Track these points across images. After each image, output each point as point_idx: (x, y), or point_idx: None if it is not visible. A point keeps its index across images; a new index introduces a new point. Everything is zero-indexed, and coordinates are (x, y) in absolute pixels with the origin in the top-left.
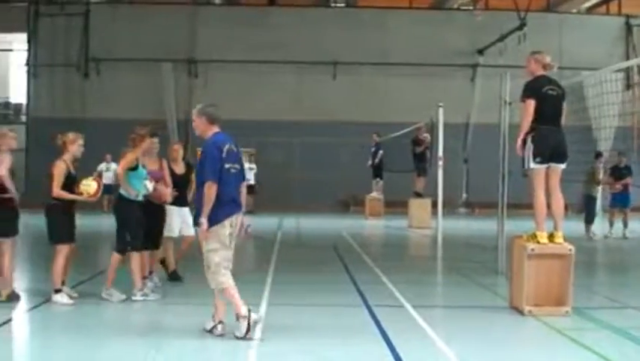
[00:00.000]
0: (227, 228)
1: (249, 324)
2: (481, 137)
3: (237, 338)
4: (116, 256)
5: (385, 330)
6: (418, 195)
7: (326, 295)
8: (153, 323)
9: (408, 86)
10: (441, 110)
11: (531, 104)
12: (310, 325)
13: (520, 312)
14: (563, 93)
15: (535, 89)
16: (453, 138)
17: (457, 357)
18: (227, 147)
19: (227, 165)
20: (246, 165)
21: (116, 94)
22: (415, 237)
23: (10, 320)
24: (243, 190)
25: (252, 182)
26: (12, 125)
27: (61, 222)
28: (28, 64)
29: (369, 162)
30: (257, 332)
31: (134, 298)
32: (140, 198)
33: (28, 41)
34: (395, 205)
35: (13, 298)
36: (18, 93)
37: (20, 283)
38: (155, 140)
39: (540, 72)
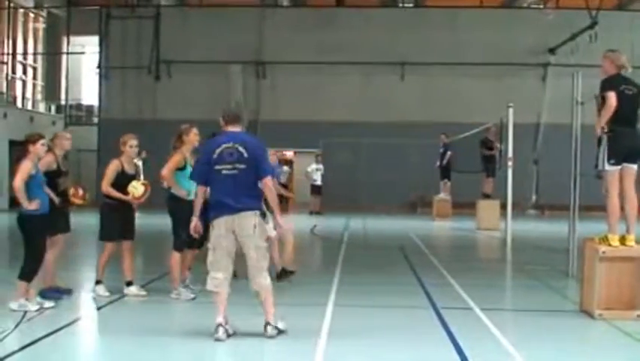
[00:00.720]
0: (217, 229)
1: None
2: (551, 137)
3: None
4: (174, 255)
5: (453, 333)
6: (487, 196)
7: (393, 296)
8: None
9: (477, 86)
10: (511, 111)
11: (612, 96)
12: (377, 326)
13: (591, 316)
14: (638, 92)
15: (612, 85)
16: (523, 138)
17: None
18: (222, 147)
19: (217, 167)
20: (313, 166)
21: (186, 95)
22: (484, 239)
23: (79, 318)
24: (271, 188)
25: (319, 183)
26: (84, 126)
27: (109, 219)
28: (99, 66)
29: (437, 163)
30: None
31: (171, 295)
32: (192, 197)
33: (100, 44)
34: (463, 207)
35: (59, 293)
36: (90, 95)
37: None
38: None
39: (614, 72)
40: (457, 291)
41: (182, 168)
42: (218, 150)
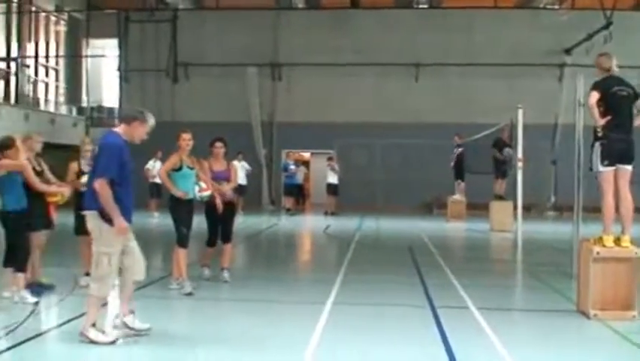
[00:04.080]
0: None
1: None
2: (570, 138)
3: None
4: (178, 250)
5: (446, 332)
6: (500, 197)
7: (392, 295)
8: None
9: (493, 87)
10: (520, 112)
11: (594, 95)
12: (371, 324)
13: (586, 316)
14: (633, 93)
15: (602, 88)
16: (541, 139)
17: (513, 360)
18: None
19: None
20: (330, 166)
21: (204, 97)
22: (495, 240)
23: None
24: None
25: (335, 182)
26: (105, 127)
27: None
28: (119, 69)
29: (452, 164)
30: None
31: (170, 287)
32: (190, 196)
33: (119, 47)
34: (479, 208)
35: (42, 288)
36: (111, 97)
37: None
38: (220, 144)
39: (606, 74)
40: (458, 291)
41: (177, 169)
42: None
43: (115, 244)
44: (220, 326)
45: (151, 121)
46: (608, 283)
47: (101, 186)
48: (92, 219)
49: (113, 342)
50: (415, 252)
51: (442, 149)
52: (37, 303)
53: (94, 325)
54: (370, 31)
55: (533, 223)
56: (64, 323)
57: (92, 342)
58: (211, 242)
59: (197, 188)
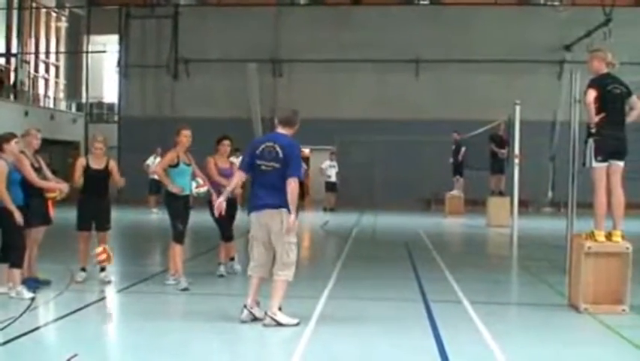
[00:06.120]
0: (252, 222)
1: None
2: (568, 135)
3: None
4: (173, 246)
5: (437, 324)
6: (500, 193)
7: (386, 289)
8: (217, 311)
9: (492, 84)
10: (518, 108)
11: (590, 92)
12: (364, 317)
13: (577, 310)
14: (627, 91)
15: (599, 85)
16: (540, 135)
17: (501, 351)
18: (263, 146)
19: (258, 162)
20: (327, 163)
21: (205, 94)
22: (492, 235)
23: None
24: (290, 187)
25: (334, 180)
26: (105, 123)
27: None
28: (119, 65)
29: (451, 160)
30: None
31: (166, 282)
32: (187, 192)
33: (120, 43)
34: (477, 203)
35: (38, 283)
36: (111, 93)
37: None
38: (227, 142)
39: (604, 70)
40: (451, 285)
41: (174, 166)
42: (260, 148)
43: (295, 234)
44: (212, 319)
45: None
46: (598, 277)
47: (297, 185)
48: (278, 215)
49: (297, 324)
50: (411, 247)
51: (441, 145)
52: (33, 299)
53: (280, 308)
54: (371, 28)
55: (530, 219)
56: (60, 318)
57: (280, 325)
58: (224, 237)
59: (194, 184)
